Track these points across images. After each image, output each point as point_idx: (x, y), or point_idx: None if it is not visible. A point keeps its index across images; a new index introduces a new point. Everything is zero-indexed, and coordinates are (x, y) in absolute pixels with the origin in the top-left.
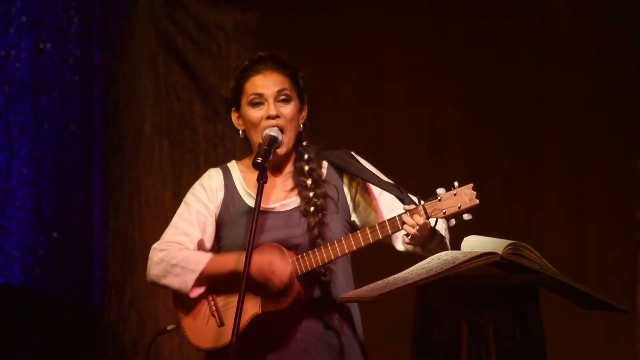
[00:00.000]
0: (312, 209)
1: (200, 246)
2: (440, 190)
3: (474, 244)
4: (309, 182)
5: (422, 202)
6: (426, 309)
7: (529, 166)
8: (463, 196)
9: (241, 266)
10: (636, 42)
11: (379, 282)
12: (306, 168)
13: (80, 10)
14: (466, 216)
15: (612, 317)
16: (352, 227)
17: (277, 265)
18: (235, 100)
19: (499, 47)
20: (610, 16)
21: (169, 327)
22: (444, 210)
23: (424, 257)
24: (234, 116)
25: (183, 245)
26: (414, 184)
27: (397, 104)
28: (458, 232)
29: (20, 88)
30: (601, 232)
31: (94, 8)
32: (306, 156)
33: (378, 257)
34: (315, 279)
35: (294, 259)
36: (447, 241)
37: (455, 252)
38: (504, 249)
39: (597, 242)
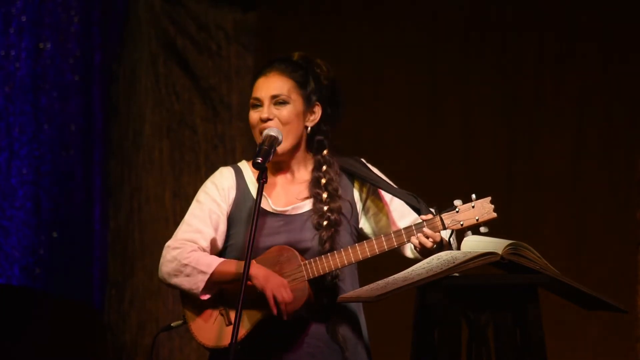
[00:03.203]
0: (325, 223)
1: (213, 244)
2: (457, 202)
3: (474, 244)
4: (325, 195)
5: (439, 212)
6: (426, 309)
7: (529, 166)
8: (481, 209)
9: (250, 274)
10: (636, 42)
11: (379, 282)
12: (323, 180)
13: (80, 10)
14: (483, 229)
15: (612, 317)
16: (360, 235)
17: (280, 283)
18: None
19: (499, 47)
20: (610, 16)
21: (173, 324)
22: (461, 222)
23: None
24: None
25: (196, 244)
26: (414, 184)
27: (398, 105)
28: (458, 232)
29: (20, 88)
30: (601, 232)
31: (94, 8)
32: (324, 167)
33: (378, 257)
34: (324, 284)
35: (303, 263)
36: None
37: (455, 252)
38: (504, 249)
39: (597, 242)
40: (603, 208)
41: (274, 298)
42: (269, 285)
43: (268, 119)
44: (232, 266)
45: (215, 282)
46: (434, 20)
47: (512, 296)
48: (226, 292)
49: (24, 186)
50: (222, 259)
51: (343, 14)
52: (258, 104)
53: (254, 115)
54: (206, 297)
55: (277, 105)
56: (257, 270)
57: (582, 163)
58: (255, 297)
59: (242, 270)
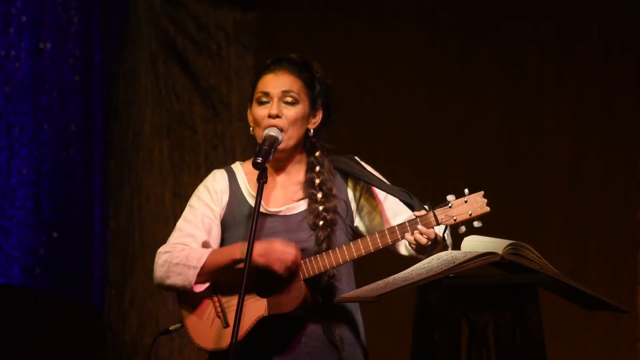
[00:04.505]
0: (321, 222)
1: (206, 247)
2: (450, 197)
3: (474, 244)
4: (319, 195)
5: (432, 208)
6: (426, 309)
7: (529, 166)
8: (474, 203)
9: (243, 255)
10: (636, 42)
11: (379, 282)
12: (317, 181)
13: (80, 10)
14: (476, 223)
15: (612, 317)
16: (355, 233)
17: (279, 249)
18: (250, 97)
19: (499, 47)
20: (610, 16)
21: (171, 327)
22: (454, 217)
23: None
24: (248, 112)
25: (187, 246)
26: (414, 183)
27: (397, 104)
28: (452, 228)
29: (20, 88)
30: (601, 232)
31: (94, 8)
32: (317, 168)
33: (378, 257)
34: (321, 284)
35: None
36: (450, 249)
37: (455, 252)
38: (504, 249)
39: (597, 242)
40: (603, 208)
41: (285, 266)
42: (272, 258)
43: (277, 116)
44: (223, 254)
45: (208, 273)
46: (434, 15)
47: (512, 296)
48: (223, 291)
49: (24, 186)
50: (211, 249)
51: (343, 13)
52: (266, 100)
53: (262, 111)
54: (200, 288)
55: (287, 104)
56: (256, 250)
57: (582, 163)
58: (251, 298)
59: (233, 256)
